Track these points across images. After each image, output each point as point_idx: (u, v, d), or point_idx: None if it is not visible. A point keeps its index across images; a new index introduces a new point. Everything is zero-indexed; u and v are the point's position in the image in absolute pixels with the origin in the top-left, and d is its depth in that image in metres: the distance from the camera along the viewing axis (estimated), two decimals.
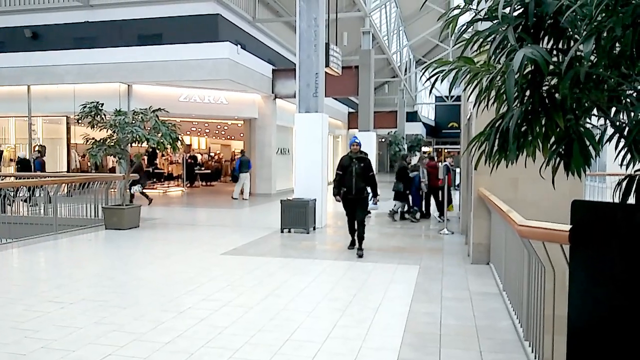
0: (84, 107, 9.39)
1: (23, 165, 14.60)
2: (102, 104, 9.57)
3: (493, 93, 2.07)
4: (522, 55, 1.65)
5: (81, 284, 5.54)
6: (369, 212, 11.02)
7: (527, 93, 1.91)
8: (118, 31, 15.68)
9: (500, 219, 4.73)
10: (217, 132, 23.34)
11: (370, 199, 7.58)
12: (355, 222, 7.45)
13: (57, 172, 15.87)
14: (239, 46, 14.72)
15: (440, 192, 11.20)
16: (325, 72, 10.62)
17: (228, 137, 25.22)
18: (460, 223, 9.77)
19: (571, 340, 2.08)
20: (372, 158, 16.85)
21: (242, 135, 19.10)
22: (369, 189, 7.40)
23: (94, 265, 6.66)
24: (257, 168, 17.42)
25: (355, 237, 7.47)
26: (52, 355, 3.50)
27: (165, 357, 3.50)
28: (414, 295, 5.19)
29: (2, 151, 17.64)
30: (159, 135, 9.48)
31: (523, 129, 1.96)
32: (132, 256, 7.35)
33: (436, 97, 40.60)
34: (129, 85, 15.41)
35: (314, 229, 9.51)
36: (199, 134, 23.45)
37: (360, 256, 7.13)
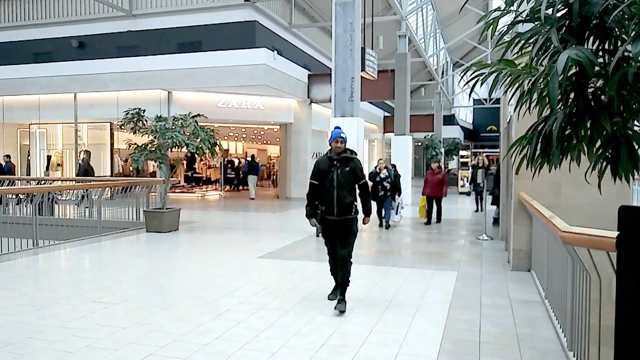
0: (127, 113, 9.70)
1: None
2: (144, 110, 9.86)
3: (535, 96, 2.03)
4: (567, 56, 1.61)
5: (124, 285, 5.71)
6: (388, 226, 10.56)
7: (572, 95, 1.86)
8: (159, 39, 16.16)
9: (542, 224, 4.59)
10: (253, 137, 23.64)
11: (355, 220, 4.89)
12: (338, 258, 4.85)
13: (101, 176, 16.44)
14: (275, 52, 14.89)
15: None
16: (361, 76, 10.61)
17: (264, 141, 25.52)
18: (500, 229, 9.54)
19: (619, 352, 2.00)
20: (407, 163, 16.68)
21: (278, 139, 19.30)
22: (357, 204, 4.89)
23: (135, 267, 6.86)
24: (292, 172, 17.55)
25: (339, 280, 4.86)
26: (97, 353, 3.62)
27: (203, 358, 3.56)
28: (451, 301, 5.10)
29: (50, 156, 18.43)
30: (198, 140, 9.68)
31: (567, 132, 1.91)
32: (171, 258, 7.52)
33: (474, 100, 39.83)
34: (169, 92, 15.82)
35: None
36: (236, 139, 23.83)
37: (342, 312, 4.63)
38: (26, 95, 16.94)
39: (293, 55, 17.25)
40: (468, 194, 14.26)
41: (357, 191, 4.96)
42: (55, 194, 10.99)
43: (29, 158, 18.38)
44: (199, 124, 9.89)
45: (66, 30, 17.65)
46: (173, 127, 9.66)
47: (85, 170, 14.82)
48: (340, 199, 4.70)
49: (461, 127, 39.07)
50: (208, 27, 15.87)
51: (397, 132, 17.01)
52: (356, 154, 4.92)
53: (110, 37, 17.00)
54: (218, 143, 10.22)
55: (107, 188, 11.64)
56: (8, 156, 16.42)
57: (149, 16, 16.93)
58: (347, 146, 4.89)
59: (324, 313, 4.71)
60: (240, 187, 22.11)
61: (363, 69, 11.07)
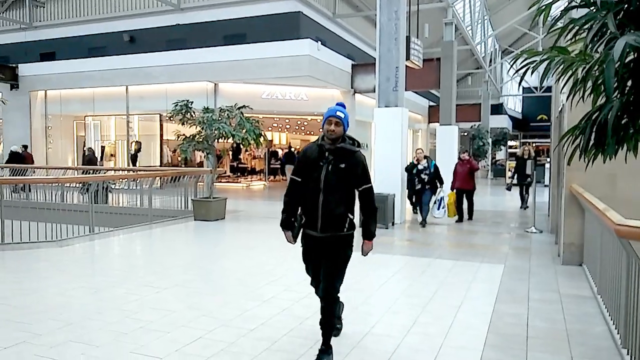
0: (176, 105, 9.98)
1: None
2: (192, 102, 10.12)
3: (589, 84, 1.96)
4: (624, 42, 1.55)
5: (173, 271, 5.93)
6: (424, 223, 9.46)
7: (629, 83, 1.79)
8: (205, 32, 16.48)
9: (596, 217, 4.43)
10: (297, 127, 23.80)
11: (348, 240, 3.43)
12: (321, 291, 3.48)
13: (151, 166, 17.04)
14: (319, 42, 14.89)
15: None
16: (406, 66, 10.47)
17: (308, 132, 25.64)
18: (550, 221, 9.24)
19: None
20: (452, 154, 16.32)
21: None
22: (351, 216, 3.37)
23: (184, 254, 7.10)
24: None
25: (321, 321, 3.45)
26: (150, 335, 3.79)
27: (250, 343, 3.67)
28: (498, 295, 5.00)
29: (104, 147, 19.25)
30: (244, 131, 9.86)
31: (623, 121, 1.84)
32: (218, 246, 7.74)
33: (524, 88, 38.47)
34: (215, 84, 16.15)
35: (393, 224, 9.44)
36: (280, 129, 24.06)
37: None
38: (82, 89, 17.72)
39: (337, 45, 17.19)
40: (508, 188, 12.99)
41: (357, 201, 3.41)
42: (109, 183, 11.48)
43: (84, 149, 19.27)
44: (244, 115, 10.06)
45: (118, 25, 18.28)
46: (219, 119, 9.87)
47: (89, 159, 15.60)
48: (328, 208, 3.25)
49: (509, 116, 37.87)
50: (253, 19, 16.05)
51: (443, 122, 16.71)
52: (359, 146, 3.37)
53: (160, 31, 17.47)
54: (263, 134, 10.37)
55: (157, 178, 12.05)
56: (25, 146, 17.37)
57: (196, 9, 17.26)
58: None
59: (367, 303, 4.74)
60: (283, 177, 22.36)
61: (408, 58, 10.92)
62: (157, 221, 9.53)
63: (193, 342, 3.66)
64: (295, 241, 3.50)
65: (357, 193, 3.41)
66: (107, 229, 8.61)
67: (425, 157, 9.71)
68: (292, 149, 21.44)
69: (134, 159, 17.44)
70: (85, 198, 9.96)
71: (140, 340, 3.68)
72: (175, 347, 3.56)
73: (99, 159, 18.78)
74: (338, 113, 3.29)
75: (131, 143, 17.93)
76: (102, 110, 18.13)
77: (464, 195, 10.31)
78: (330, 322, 3.43)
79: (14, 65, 18.45)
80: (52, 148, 19.07)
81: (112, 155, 19.18)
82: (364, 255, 3.51)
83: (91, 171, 14.07)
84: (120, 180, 14.23)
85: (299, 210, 3.45)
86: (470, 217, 10.41)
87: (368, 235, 3.44)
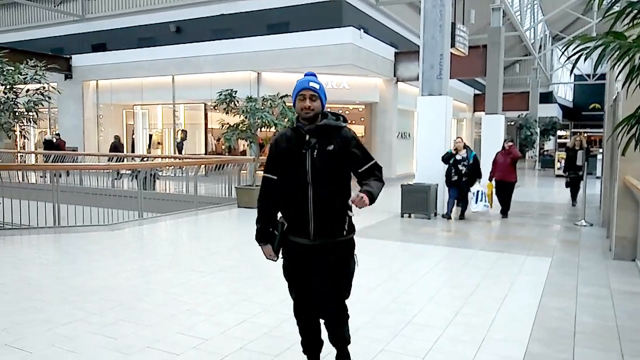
0: (220, 94, 10.17)
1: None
2: (236, 91, 10.27)
3: None
4: None
5: (218, 256, 6.09)
6: (463, 216, 8.92)
7: None
8: (249, 22, 16.65)
9: None
10: None
11: (351, 246, 2.81)
12: (325, 326, 2.91)
13: (196, 154, 17.47)
14: (362, 30, 14.77)
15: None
16: (451, 53, 10.24)
17: (349, 121, 25.53)
18: (601, 214, 8.88)
19: None
20: (498, 144, 15.84)
21: (362, 119, 19.27)
22: (351, 214, 2.71)
23: (228, 240, 7.28)
24: (377, 152, 17.47)
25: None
26: (196, 317, 3.93)
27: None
28: (544, 288, 4.88)
29: (152, 135, 19.87)
30: (286, 120, 9.94)
31: None
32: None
33: (576, 75, 36.88)
34: (258, 73, 16.32)
35: (435, 215, 9.32)
36: None
37: None
38: (131, 79, 18.31)
39: (380, 33, 17.00)
40: (568, 184, 11.69)
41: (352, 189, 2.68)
42: (157, 170, 11.87)
43: (134, 137, 19.95)
44: (286, 104, 10.14)
45: (165, 16, 18.72)
46: (262, 108, 9.98)
47: (115, 146, 16.25)
48: (322, 205, 2.57)
49: (560, 105, 36.44)
50: (296, 8, 16.07)
51: (489, 110, 16.27)
52: (345, 120, 2.70)
53: (205, 21, 17.79)
54: None
55: (202, 165, 12.36)
56: (58, 134, 18.20)
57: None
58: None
59: (409, 292, 4.72)
60: None
61: (453, 45, 10.68)
62: (202, 208, 9.79)
63: (237, 325, 3.77)
64: (277, 256, 2.75)
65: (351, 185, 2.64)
66: (155, 214, 8.91)
67: (464, 146, 9.06)
68: None
69: (179, 147, 17.94)
70: (134, 184, 10.35)
71: (187, 322, 3.82)
72: (220, 329, 3.68)
73: (146, 147, 19.44)
74: (312, 84, 2.57)
75: (177, 132, 18.42)
76: (149, 99, 18.69)
77: (504, 187, 9.49)
78: (345, 340, 2.91)
79: (68, 56, 19.26)
80: (103, 136, 19.85)
81: (159, 143, 19.78)
82: (356, 204, 2.48)
83: (116, 158, 14.63)
84: (167, 167, 14.67)
85: (279, 217, 2.72)
86: (504, 215, 9.48)
87: (369, 193, 2.51)
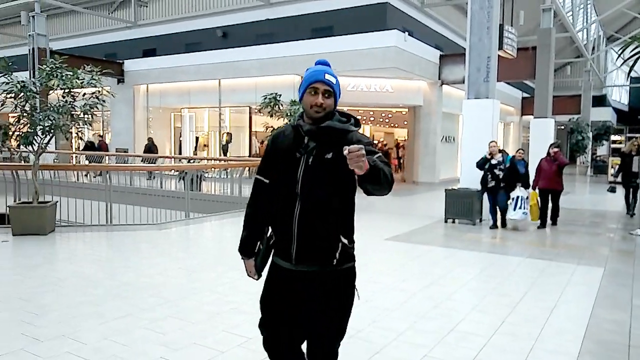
0: (265, 98, 10.33)
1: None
2: (280, 95, 10.41)
3: None
4: None
5: None
6: (505, 224, 8.47)
7: None
8: (293, 26, 16.84)
9: None
10: (381, 120, 23.64)
11: (349, 278, 2.21)
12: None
13: (240, 156, 17.79)
14: (406, 33, 14.65)
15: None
16: (498, 55, 10.00)
17: (392, 125, 25.37)
18: None
19: None
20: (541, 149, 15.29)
21: (405, 123, 19.09)
22: (346, 241, 2.15)
23: None
24: (420, 156, 17.27)
25: None
26: (240, 316, 4.01)
27: None
28: (596, 299, 4.68)
29: (198, 137, 20.39)
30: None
31: None
32: None
33: (632, 78, 35.14)
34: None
35: (480, 221, 9.12)
36: (363, 122, 24.01)
37: None
38: (179, 83, 18.88)
39: (424, 35, 16.82)
40: (611, 189, 11.24)
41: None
42: (203, 171, 12.17)
43: (181, 139, 20.55)
44: None
45: (212, 22, 19.20)
46: None
47: (149, 148, 16.73)
48: (307, 225, 2.10)
49: (614, 108, 34.84)
50: (339, 12, 16.13)
51: (537, 114, 15.77)
52: (358, 125, 2.15)
53: (250, 26, 18.12)
54: None
55: (246, 167, 12.57)
56: (101, 136, 18.92)
57: (285, 4, 17.67)
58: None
59: (452, 299, 4.64)
60: None
61: (501, 48, 10.43)
62: None
63: None
64: (259, 275, 2.34)
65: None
66: (201, 214, 9.14)
67: (500, 150, 8.74)
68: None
69: (224, 149, 18.33)
70: (180, 185, 10.65)
71: (232, 321, 3.90)
72: None
73: (193, 149, 19.97)
74: (328, 77, 2.07)
75: (222, 134, 18.83)
76: (196, 102, 19.20)
77: (549, 196, 8.87)
78: None
79: (120, 61, 20.07)
80: (152, 138, 20.56)
81: (205, 145, 20.27)
82: (349, 152, 1.70)
83: (149, 160, 15.11)
84: (213, 169, 15.02)
85: (268, 229, 2.28)
86: (554, 223, 9.04)
87: (372, 164, 1.80)
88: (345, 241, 2.15)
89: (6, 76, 6.83)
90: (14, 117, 7.55)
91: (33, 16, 16.10)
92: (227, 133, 18.83)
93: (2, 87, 6.85)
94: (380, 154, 1.96)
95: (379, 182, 1.84)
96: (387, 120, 23.80)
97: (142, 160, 15.74)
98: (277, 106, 10.33)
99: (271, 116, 10.47)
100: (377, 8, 15.54)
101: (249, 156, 18.23)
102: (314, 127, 2.09)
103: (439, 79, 16.95)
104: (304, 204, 2.09)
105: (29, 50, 15.99)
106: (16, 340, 3.44)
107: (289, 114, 10.04)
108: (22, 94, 6.85)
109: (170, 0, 20.94)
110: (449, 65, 16.84)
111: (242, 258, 2.36)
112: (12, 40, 23.91)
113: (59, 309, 4.09)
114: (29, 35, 16.12)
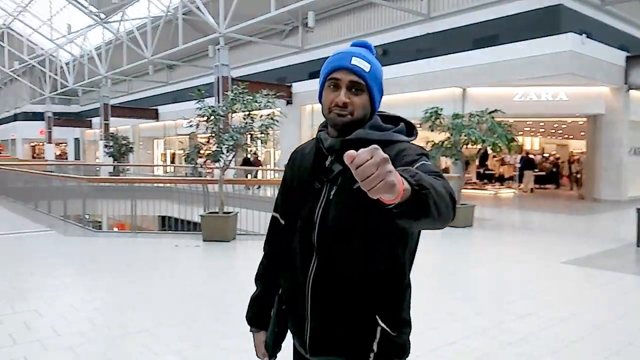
0: (426, 112, 10.25)
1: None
2: (442, 109, 10.24)
3: None
4: None
5: (421, 272, 6.09)
6: None
7: None
8: (454, 38, 16.44)
9: None
10: (552, 131, 21.68)
11: None
12: None
13: None
14: (584, 35, 13.28)
15: None
16: None
17: (565, 136, 23.09)
18: None
19: None
20: None
21: (582, 133, 17.20)
22: (390, 321, 1.35)
23: (433, 257, 7.23)
24: (601, 171, 15.35)
25: None
26: None
27: (509, 356, 3.52)
28: None
29: None
30: (494, 136, 9.50)
31: None
32: (465, 253, 7.63)
33: None
34: (463, 89, 15.96)
35: None
36: (532, 133, 22.31)
37: None
38: None
39: (606, 36, 15.01)
40: None
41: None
42: None
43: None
44: (494, 119, 9.70)
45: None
46: (469, 124, 9.73)
47: (247, 160, 17.93)
48: (327, 293, 1.38)
49: None
50: (504, 19, 15.28)
51: None
52: (411, 132, 1.47)
53: (409, 41, 18.18)
54: (515, 139, 9.82)
55: None
56: (255, 154, 20.13)
57: (446, 17, 17.37)
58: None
59: (605, 328, 4.02)
60: (519, 185, 20.61)
61: None
62: None
63: (448, 345, 3.71)
64: (272, 356, 1.60)
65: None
66: None
67: None
68: (530, 155, 20.46)
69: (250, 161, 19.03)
70: None
71: None
72: (430, 346, 3.67)
73: None
74: (356, 61, 1.37)
75: None
76: None
77: None
78: None
79: (289, 84, 21.75)
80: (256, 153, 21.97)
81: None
82: (360, 174, 0.92)
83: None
84: None
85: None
86: None
87: (411, 182, 1.02)
88: (386, 326, 1.34)
89: (200, 102, 7.92)
90: (202, 138, 8.71)
91: (218, 49, 18.39)
92: None
93: (196, 112, 7.95)
94: (425, 160, 1.27)
95: (426, 212, 1.02)
96: (560, 132, 21.74)
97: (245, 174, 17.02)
98: (438, 120, 10.17)
99: (432, 130, 10.34)
100: (549, 11, 14.36)
101: None
102: (338, 141, 1.38)
103: (626, 83, 14.96)
104: (322, 262, 1.37)
105: (215, 78, 18.24)
106: (209, 334, 3.91)
107: (450, 128, 9.81)
108: (212, 117, 7.86)
109: (333, 24, 22.11)
110: (636, 67, 14.78)
111: (250, 330, 1.65)
112: (201, 71, 27.54)
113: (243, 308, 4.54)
114: (215, 65, 18.40)
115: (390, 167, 0.92)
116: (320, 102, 1.45)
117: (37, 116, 38.69)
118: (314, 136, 1.53)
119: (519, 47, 13.89)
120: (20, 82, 41.44)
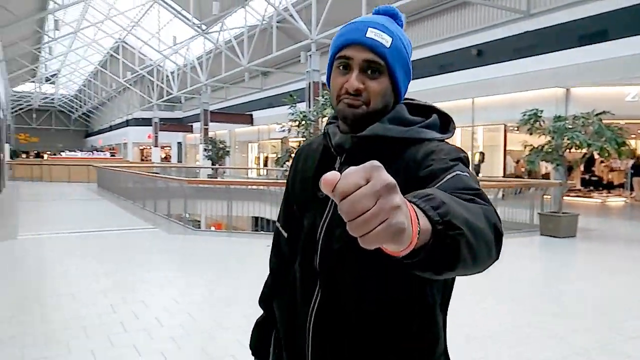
0: (524, 114, 9.72)
1: None
2: (542, 111, 9.66)
3: None
4: None
5: (517, 285, 5.78)
6: None
7: None
8: (556, 35, 15.42)
9: None
10: None
11: None
12: None
13: (493, 176, 17.09)
14: None
15: None
16: None
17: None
18: None
19: None
20: None
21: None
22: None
23: (529, 270, 6.83)
24: None
25: None
26: (495, 345, 3.82)
27: None
28: None
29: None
30: (602, 140, 8.76)
31: None
32: (568, 266, 7.12)
33: None
34: (566, 89, 14.92)
35: None
36: None
37: None
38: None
39: None
40: None
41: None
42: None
43: None
44: (602, 121, 8.94)
45: (467, 41, 19.06)
46: (573, 127, 9.07)
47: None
48: (333, 329, 1.06)
49: None
50: (615, 13, 14.05)
51: None
52: (447, 128, 1.18)
53: (506, 40, 17.34)
54: (626, 143, 8.99)
55: (500, 188, 11.99)
56: (481, 155, 19.50)
57: (548, 12, 16.32)
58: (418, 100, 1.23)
59: None
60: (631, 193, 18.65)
61: None
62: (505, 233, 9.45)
63: None
64: None
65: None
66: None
67: None
68: (638, 160, 18.09)
69: (477, 169, 17.88)
70: None
71: (482, 350, 3.75)
72: None
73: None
74: (371, 33, 1.03)
75: (475, 154, 18.42)
76: None
77: None
78: None
79: None
80: None
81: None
82: (343, 208, 0.56)
83: None
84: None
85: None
86: None
87: (434, 220, 0.67)
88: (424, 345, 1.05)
89: (292, 108, 8.17)
90: (294, 142, 8.96)
91: (310, 55, 18.82)
92: (480, 152, 18.34)
93: (289, 117, 8.22)
94: (461, 169, 0.94)
95: (455, 261, 0.72)
96: None
97: None
98: (537, 122, 9.58)
99: (530, 134, 9.76)
100: None
101: (503, 176, 17.36)
102: (348, 138, 1.08)
103: None
104: (326, 295, 1.08)
105: (307, 84, 18.67)
106: None
107: (552, 131, 9.20)
108: (303, 122, 8.08)
109: (426, 25, 21.72)
110: None
111: (252, 350, 1.40)
112: (293, 77, 28.34)
113: None
114: (307, 71, 18.85)
115: (397, 199, 0.56)
116: (329, 88, 1.13)
117: (146, 122, 42.10)
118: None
119: (632, 42, 12.70)
120: (132, 90, 45.43)
